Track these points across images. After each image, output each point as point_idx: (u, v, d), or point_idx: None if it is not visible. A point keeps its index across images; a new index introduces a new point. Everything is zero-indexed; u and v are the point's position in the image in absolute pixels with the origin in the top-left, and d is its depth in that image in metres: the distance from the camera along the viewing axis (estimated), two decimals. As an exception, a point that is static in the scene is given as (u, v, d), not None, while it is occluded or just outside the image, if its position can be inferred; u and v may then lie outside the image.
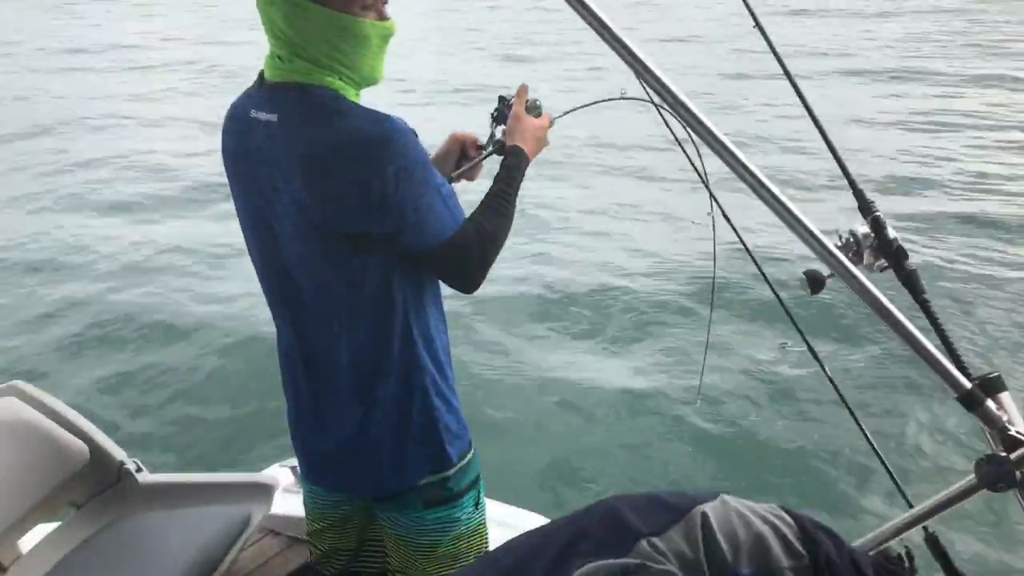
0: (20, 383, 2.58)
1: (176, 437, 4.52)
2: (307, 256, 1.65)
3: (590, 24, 1.18)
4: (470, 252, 1.68)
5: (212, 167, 9.26)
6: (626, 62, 1.20)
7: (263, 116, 1.61)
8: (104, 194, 9.35)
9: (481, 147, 2.01)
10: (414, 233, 1.62)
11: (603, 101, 2.25)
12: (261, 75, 1.68)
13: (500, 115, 2.02)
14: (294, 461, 2.98)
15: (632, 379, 5.03)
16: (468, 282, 1.71)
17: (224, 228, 7.28)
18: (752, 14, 1.72)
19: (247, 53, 14.12)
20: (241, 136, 1.67)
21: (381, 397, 1.73)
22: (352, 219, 1.58)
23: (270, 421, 4.42)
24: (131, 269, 7.02)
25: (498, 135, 1.98)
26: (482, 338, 5.58)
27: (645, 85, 1.88)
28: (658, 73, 1.17)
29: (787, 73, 1.70)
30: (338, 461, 1.82)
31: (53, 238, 7.96)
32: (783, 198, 1.41)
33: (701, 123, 1.34)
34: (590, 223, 7.60)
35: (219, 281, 6.58)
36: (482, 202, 1.78)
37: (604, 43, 1.17)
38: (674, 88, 1.31)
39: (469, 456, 1.86)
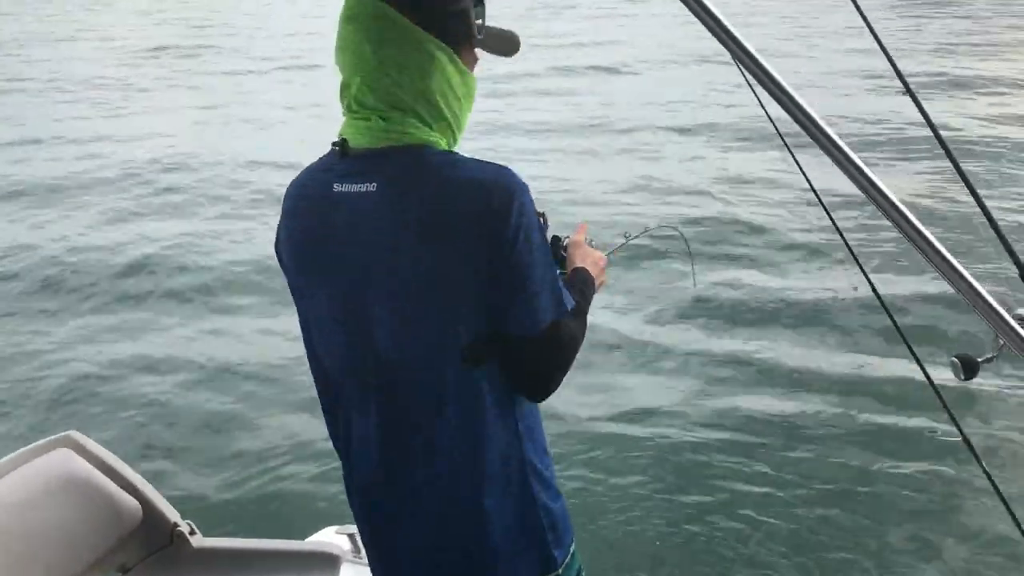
0: (76, 434, 2.46)
1: (222, 494, 4.37)
2: (410, 339, 1.48)
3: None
4: (565, 346, 1.52)
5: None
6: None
7: (354, 188, 1.46)
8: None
9: None
10: (524, 308, 1.46)
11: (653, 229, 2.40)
12: (340, 146, 1.51)
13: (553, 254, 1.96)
14: (351, 528, 2.78)
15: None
16: (550, 381, 1.53)
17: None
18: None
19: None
20: (322, 216, 1.51)
21: (487, 500, 1.54)
22: (471, 292, 1.43)
23: (318, 483, 4.26)
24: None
25: None
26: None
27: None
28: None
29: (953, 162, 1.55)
30: (431, 566, 1.62)
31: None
32: (958, 266, 1.25)
33: (878, 190, 1.19)
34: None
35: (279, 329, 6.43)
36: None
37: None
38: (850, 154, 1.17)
39: (572, 550, 1.66)
